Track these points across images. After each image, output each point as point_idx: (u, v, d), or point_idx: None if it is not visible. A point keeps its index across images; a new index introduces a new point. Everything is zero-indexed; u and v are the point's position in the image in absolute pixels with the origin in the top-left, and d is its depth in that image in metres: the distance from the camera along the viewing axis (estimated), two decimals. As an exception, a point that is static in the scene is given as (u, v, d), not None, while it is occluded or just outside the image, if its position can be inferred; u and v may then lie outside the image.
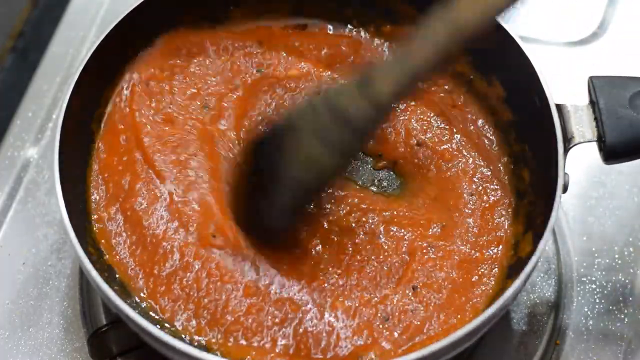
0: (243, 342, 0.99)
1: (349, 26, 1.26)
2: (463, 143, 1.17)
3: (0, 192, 1.29)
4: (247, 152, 1.05)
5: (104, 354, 1.05)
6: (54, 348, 1.16)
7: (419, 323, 1.01)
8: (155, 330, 0.92)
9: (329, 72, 1.20)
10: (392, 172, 1.17)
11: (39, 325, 1.18)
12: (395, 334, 1.00)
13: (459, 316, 1.02)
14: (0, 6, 1.54)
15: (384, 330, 1.01)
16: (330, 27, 1.27)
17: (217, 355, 0.98)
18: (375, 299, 1.03)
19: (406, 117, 1.17)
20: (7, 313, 1.19)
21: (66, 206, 1.00)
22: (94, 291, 1.19)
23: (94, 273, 0.96)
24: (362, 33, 1.26)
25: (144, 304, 1.02)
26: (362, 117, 0.91)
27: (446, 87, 1.22)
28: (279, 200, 0.99)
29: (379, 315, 1.02)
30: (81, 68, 1.09)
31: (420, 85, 0.92)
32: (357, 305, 1.02)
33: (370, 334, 1.00)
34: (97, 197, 1.10)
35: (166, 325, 1.01)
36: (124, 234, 1.07)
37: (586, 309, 1.20)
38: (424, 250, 1.07)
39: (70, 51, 1.44)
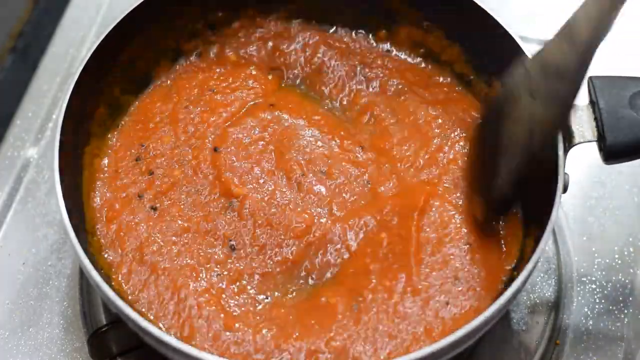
0: None
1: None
2: (463, 143, 1.17)
3: (0, 192, 1.29)
4: (472, 137, 1.09)
5: (104, 354, 1.05)
6: (54, 348, 1.16)
7: None
8: (155, 330, 0.92)
9: None
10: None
11: (39, 325, 1.18)
12: None
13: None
14: (0, 6, 1.54)
15: None
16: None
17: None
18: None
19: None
20: (7, 313, 1.19)
21: (66, 206, 1.00)
22: (94, 291, 1.19)
23: (94, 273, 0.96)
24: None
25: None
26: (570, 62, 0.94)
27: (445, 89, 1.23)
28: (512, 169, 1.00)
29: None
30: (81, 68, 1.09)
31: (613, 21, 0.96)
32: None
33: None
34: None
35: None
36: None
37: (586, 309, 1.20)
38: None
39: (70, 51, 1.44)
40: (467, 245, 1.06)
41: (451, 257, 1.05)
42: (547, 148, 1.01)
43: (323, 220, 1.08)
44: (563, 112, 0.99)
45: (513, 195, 1.05)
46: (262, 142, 1.15)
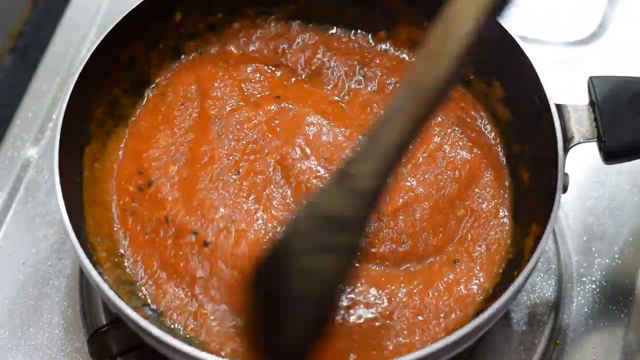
0: None
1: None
2: (462, 143, 1.17)
3: (0, 192, 1.29)
4: (248, 288, 0.96)
5: (104, 354, 1.05)
6: (54, 348, 1.16)
7: None
8: (155, 330, 0.92)
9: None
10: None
11: (39, 325, 1.18)
12: None
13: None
14: (0, 6, 1.54)
15: None
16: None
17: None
18: None
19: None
20: (7, 313, 1.19)
21: (66, 206, 1.00)
22: (94, 291, 1.19)
23: (94, 273, 0.96)
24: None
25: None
26: (351, 212, 0.87)
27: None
28: (296, 325, 0.91)
29: None
30: (81, 68, 1.09)
31: (404, 156, 0.88)
32: None
33: None
34: None
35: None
36: None
37: (586, 309, 1.20)
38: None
39: (70, 51, 1.44)
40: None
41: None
42: (335, 296, 0.93)
43: None
44: (347, 260, 0.90)
45: (300, 349, 0.92)
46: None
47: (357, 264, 0.95)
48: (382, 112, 0.89)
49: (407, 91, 0.86)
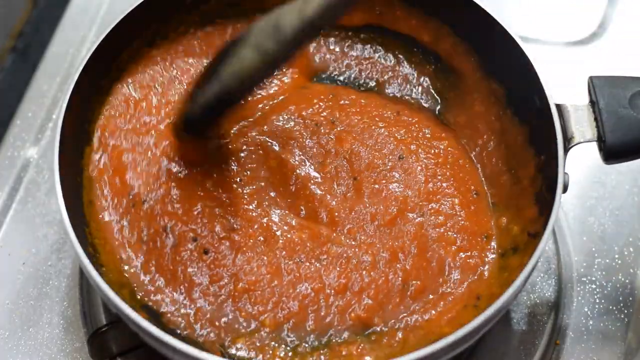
0: None
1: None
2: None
3: (0, 192, 1.29)
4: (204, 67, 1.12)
5: (104, 354, 1.05)
6: (54, 348, 1.16)
7: None
8: (155, 330, 0.92)
9: None
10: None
11: (39, 325, 1.18)
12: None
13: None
14: (0, 6, 1.54)
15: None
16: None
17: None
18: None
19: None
20: (7, 313, 1.19)
21: (66, 206, 1.00)
22: (94, 291, 1.19)
23: (94, 273, 0.96)
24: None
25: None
26: (292, 31, 0.99)
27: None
28: (205, 95, 1.06)
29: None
30: (81, 68, 1.09)
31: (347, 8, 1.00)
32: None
33: None
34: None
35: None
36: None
37: (586, 309, 1.20)
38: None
39: (70, 51, 1.44)
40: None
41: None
42: (241, 92, 1.07)
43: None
44: (264, 66, 1.02)
45: (200, 116, 1.09)
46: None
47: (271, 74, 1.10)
48: None
49: None
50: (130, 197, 1.09)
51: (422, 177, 1.12)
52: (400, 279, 1.05)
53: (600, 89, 1.05)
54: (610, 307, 1.20)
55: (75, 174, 1.10)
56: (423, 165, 1.13)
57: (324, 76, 1.26)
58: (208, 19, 1.25)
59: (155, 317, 1.03)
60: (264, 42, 1.00)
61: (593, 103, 1.05)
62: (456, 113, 1.21)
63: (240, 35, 1.04)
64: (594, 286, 1.22)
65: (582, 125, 1.05)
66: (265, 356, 1.01)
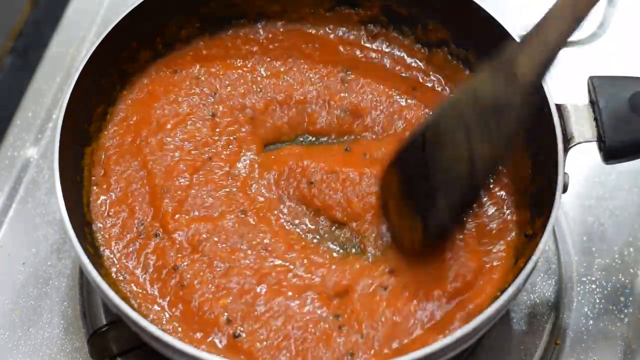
0: None
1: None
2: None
3: (0, 192, 1.29)
4: (390, 168, 1.04)
5: (104, 354, 1.05)
6: (54, 348, 1.16)
7: None
8: (155, 330, 0.92)
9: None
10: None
11: (39, 325, 1.18)
12: None
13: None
14: (0, 6, 1.54)
15: None
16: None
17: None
18: None
19: (410, 115, 1.18)
20: (7, 313, 1.19)
21: (66, 206, 1.00)
22: (94, 291, 1.19)
23: (94, 273, 0.96)
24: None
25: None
26: (510, 99, 0.92)
27: (447, 88, 1.23)
28: (450, 204, 0.98)
29: None
30: (81, 68, 1.09)
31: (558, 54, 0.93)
32: None
33: None
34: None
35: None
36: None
37: (586, 309, 1.20)
38: None
39: (70, 51, 1.44)
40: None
41: None
42: (489, 178, 1.01)
43: None
44: (506, 146, 0.96)
45: (452, 222, 1.02)
46: None
47: (511, 150, 1.00)
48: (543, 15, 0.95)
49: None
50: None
51: None
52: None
53: (600, 89, 1.05)
54: (610, 307, 1.20)
55: (75, 174, 1.10)
56: None
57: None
58: (209, 21, 1.25)
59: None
60: (489, 124, 0.91)
61: (593, 103, 1.05)
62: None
63: (434, 127, 0.95)
64: (594, 286, 1.22)
65: (582, 125, 1.05)
66: None
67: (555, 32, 0.92)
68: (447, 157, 0.96)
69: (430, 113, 0.98)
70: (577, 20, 0.93)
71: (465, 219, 1.04)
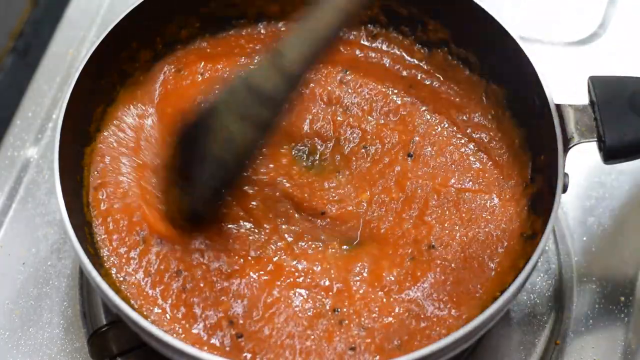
0: None
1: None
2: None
3: (0, 192, 1.29)
4: (174, 146, 1.06)
5: (104, 354, 1.05)
6: (54, 348, 1.16)
7: None
8: (155, 330, 0.93)
9: None
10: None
11: (39, 325, 1.18)
12: None
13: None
14: (0, 6, 1.54)
15: None
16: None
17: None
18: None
19: (405, 113, 1.18)
20: (7, 313, 1.19)
21: (66, 206, 1.00)
22: (94, 291, 1.19)
23: (94, 273, 0.96)
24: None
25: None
26: (275, 89, 0.96)
27: (446, 87, 1.23)
28: (203, 183, 1.02)
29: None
30: (81, 68, 1.09)
31: (326, 51, 0.97)
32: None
33: None
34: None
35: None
36: None
37: (586, 309, 1.20)
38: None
39: (70, 51, 1.44)
40: None
41: None
42: (243, 162, 1.02)
43: None
44: (260, 134, 0.99)
45: (203, 207, 1.05)
46: None
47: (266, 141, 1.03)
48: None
49: None
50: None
51: None
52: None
53: (600, 89, 1.05)
54: (610, 307, 1.20)
55: (75, 174, 1.10)
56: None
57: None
58: (209, 21, 1.25)
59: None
60: (249, 109, 0.96)
61: (593, 103, 1.05)
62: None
63: (210, 107, 0.99)
64: (594, 286, 1.22)
65: (581, 125, 1.05)
66: None
67: (323, 24, 0.95)
68: (211, 135, 0.99)
69: (213, 94, 1.01)
70: (347, 13, 0.95)
71: (221, 199, 1.06)
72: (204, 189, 1.02)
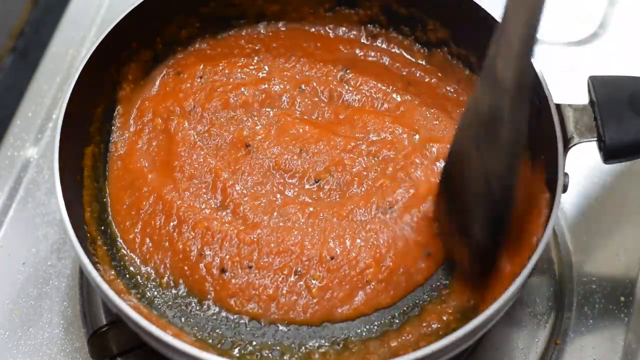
0: None
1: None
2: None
3: (0, 192, 1.29)
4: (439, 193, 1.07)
5: (104, 354, 1.05)
6: (54, 348, 1.16)
7: None
8: (155, 330, 0.93)
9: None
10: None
11: (39, 325, 1.18)
12: None
13: None
14: (0, 6, 1.54)
15: None
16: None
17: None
18: None
19: (405, 108, 1.19)
20: (7, 313, 1.19)
21: (66, 206, 1.00)
22: (94, 291, 1.19)
23: (94, 273, 0.96)
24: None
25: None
26: (502, 107, 0.90)
27: (446, 87, 1.23)
28: (477, 221, 0.99)
29: None
30: (81, 68, 1.09)
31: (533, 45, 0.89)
32: None
33: None
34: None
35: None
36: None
37: (586, 309, 1.20)
38: None
39: (70, 51, 1.44)
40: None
41: None
42: (506, 192, 0.97)
43: None
44: (511, 154, 0.95)
45: (493, 245, 1.02)
46: None
47: (519, 158, 0.97)
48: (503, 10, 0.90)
49: None
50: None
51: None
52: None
53: (600, 89, 1.05)
54: (610, 307, 1.20)
55: (75, 174, 1.10)
56: None
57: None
58: (209, 21, 1.25)
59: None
60: (511, 111, 0.90)
61: (593, 103, 1.05)
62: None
63: (467, 133, 0.95)
64: (594, 286, 1.21)
65: (581, 125, 1.05)
66: None
67: (517, 28, 0.88)
68: (468, 176, 0.97)
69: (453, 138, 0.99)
70: (537, 11, 0.88)
71: (502, 240, 1.02)
72: (486, 227, 0.99)
